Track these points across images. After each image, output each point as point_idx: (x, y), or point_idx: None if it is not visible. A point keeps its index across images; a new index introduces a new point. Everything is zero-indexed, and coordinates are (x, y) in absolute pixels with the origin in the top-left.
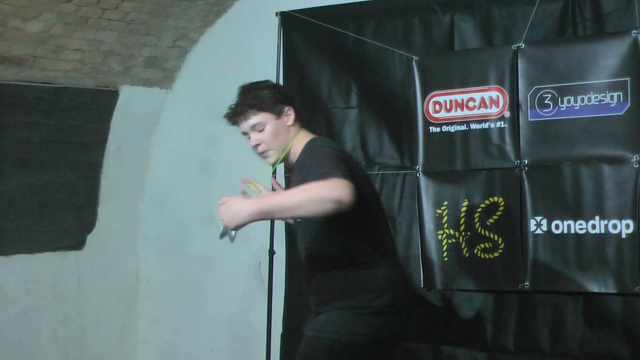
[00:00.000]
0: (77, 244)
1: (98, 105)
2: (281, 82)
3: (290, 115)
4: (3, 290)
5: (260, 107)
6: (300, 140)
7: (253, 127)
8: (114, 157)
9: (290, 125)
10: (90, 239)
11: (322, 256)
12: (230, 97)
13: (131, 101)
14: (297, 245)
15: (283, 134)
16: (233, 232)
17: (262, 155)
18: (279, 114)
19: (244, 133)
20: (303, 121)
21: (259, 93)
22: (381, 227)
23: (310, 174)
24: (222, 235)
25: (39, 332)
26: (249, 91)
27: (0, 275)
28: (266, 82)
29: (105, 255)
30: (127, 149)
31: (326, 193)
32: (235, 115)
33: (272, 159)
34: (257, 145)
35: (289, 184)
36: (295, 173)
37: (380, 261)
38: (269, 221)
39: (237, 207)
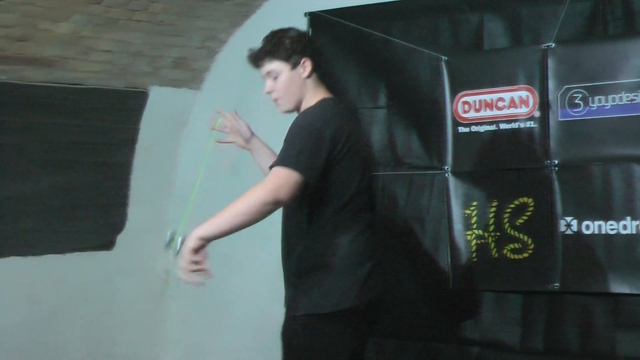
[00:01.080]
0: (107, 244)
1: (127, 106)
2: None
3: (306, 68)
4: (32, 290)
5: (276, 55)
6: (313, 95)
7: (268, 74)
8: (143, 157)
9: (305, 78)
10: (120, 239)
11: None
12: (259, 97)
13: (160, 102)
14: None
15: (296, 85)
16: (179, 243)
17: (274, 102)
18: (294, 65)
19: (261, 77)
20: (322, 77)
21: (280, 41)
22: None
23: (279, 153)
24: (168, 244)
25: (68, 332)
26: (272, 37)
27: (29, 275)
28: (291, 29)
29: (134, 256)
30: (155, 149)
31: (261, 198)
32: (253, 59)
33: (282, 108)
34: (269, 92)
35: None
36: None
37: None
38: None
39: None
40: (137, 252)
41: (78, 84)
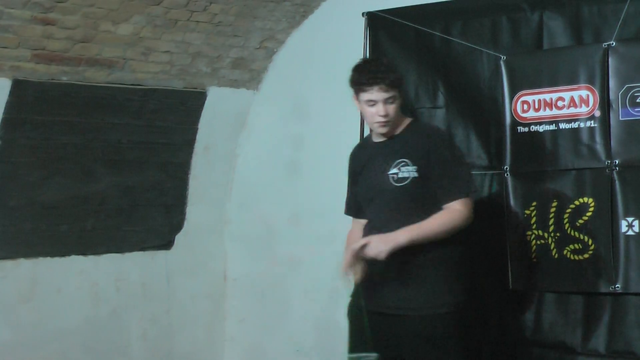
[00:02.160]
0: (166, 244)
1: (186, 107)
2: None
3: (402, 99)
4: (94, 288)
5: (399, 85)
6: (401, 118)
7: (386, 99)
8: (202, 157)
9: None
10: (179, 238)
11: None
12: (317, 97)
13: (219, 102)
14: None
15: (399, 111)
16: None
17: (381, 124)
18: (401, 95)
19: (369, 100)
20: None
21: (398, 74)
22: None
23: (454, 179)
24: None
25: (129, 330)
26: (390, 68)
27: (91, 274)
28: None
29: (193, 255)
30: (214, 149)
31: (461, 225)
32: (377, 82)
33: (385, 129)
34: (383, 115)
35: (374, 151)
36: (399, 146)
37: None
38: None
39: (391, 236)
40: (196, 251)
41: (138, 85)
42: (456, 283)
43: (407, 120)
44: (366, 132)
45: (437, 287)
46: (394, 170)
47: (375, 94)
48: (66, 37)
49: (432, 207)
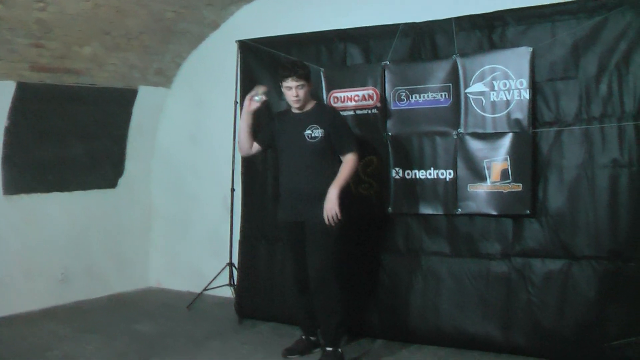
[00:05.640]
0: (113, 185)
1: (125, 99)
2: (239, 87)
3: (310, 86)
4: (69, 213)
5: (307, 77)
6: (310, 99)
7: (297, 86)
8: (135, 131)
9: (309, 90)
10: (121, 181)
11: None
12: (208, 94)
13: (146, 96)
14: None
15: (308, 94)
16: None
17: (294, 101)
18: (309, 84)
19: (287, 86)
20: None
21: (308, 70)
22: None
23: (346, 141)
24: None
25: (91, 239)
26: (304, 66)
27: (67, 204)
28: (307, 65)
29: (130, 192)
30: (143, 126)
31: (355, 169)
32: (291, 74)
33: (298, 105)
34: (295, 96)
35: (294, 118)
36: (310, 117)
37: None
38: (231, 170)
39: (331, 197)
40: (131, 190)
41: (95, 85)
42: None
43: (314, 101)
44: (238, 119)
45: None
46: (308, 132)
47: (290, 82)
48: (50, 55)
49: (331, 156)
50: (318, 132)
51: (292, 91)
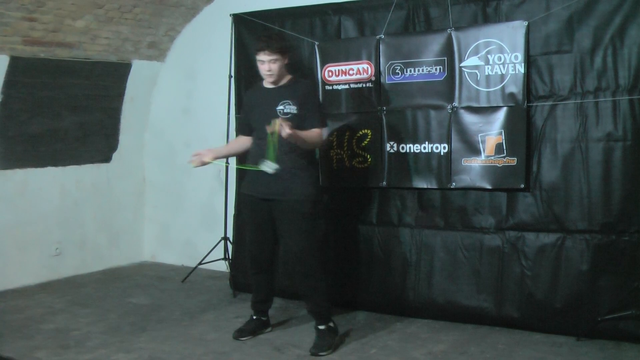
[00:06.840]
0: (107, 159)
1: (118, 72)
2: (233, 61)
3: (286, 61)
4: (62, 188)
5: (281, 52)
6: (285, 74)
7: (270, 60)
8: (128, 104)
9: (285, 64)
10: (115, 155)
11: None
12: (201, 67)
13: (139, 69)
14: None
15: (282, 69)
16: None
17: (267, 76)
18: (284, 58)
19: (260, 60)
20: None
21: (284, 44)
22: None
23: (314, 116)
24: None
25: (85, 214)
26: (279, 40)
27: (60, 178)
28: (286, 38)
29: (123, 166)
30: (136, 99)
31: (321, 142)
32: (264, 48)
33: (271, 79)
34: (268, 70)
35: (267, 93)
36: (284, 92)
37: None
38: (225, 144)
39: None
40: (125, 163)
41: (88, 59)
42: (312, 184)
43: (290, 76)
44: (232, 93)
45: (300, 184)
46: (281, 107)
47: (262, 56)
48: (43, 29)
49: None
50: (291, 108)
51: (265, 65)
